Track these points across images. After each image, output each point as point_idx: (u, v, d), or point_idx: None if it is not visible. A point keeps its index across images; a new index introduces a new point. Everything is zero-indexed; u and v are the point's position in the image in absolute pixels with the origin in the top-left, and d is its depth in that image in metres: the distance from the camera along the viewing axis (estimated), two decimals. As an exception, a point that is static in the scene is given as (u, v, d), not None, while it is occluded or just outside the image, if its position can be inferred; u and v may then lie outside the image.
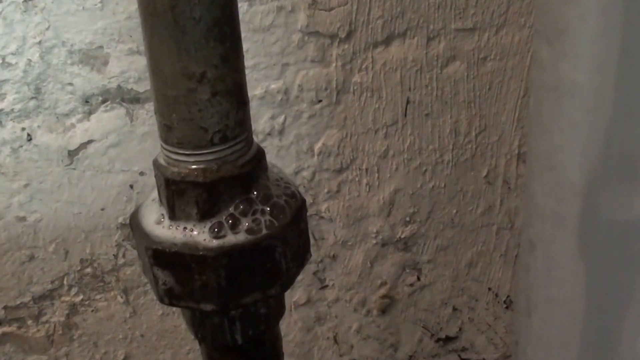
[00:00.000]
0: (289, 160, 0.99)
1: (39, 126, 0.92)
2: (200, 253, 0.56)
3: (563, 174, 0.78)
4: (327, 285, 1.10)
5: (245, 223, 0.57)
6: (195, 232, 0.56)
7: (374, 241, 1.09)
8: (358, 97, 0.98)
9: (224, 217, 0.57)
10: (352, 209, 1.06)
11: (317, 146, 1.00)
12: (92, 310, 1.05)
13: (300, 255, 0.61)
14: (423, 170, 1.05)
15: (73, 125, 0.93)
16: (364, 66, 0.96)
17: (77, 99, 0.91)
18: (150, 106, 0.93)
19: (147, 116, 0.93)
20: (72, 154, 0.94)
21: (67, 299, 1.03)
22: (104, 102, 0.92)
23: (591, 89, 0.71)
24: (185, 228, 0.57)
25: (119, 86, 0.92)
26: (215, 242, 0.56)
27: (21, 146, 0.93)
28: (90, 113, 0.93)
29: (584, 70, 0.71)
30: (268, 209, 0.58)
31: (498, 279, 1.18)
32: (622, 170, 0.69)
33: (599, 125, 0.70)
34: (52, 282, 1.01)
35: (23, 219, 0.97)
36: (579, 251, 0.78)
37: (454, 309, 1.19)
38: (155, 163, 0.58)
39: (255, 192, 0.58)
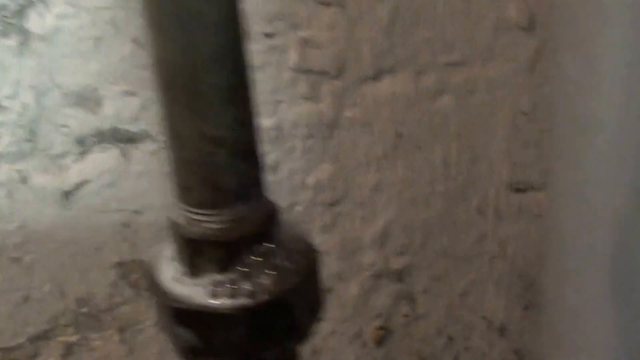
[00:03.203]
0: (283, 195, 1.03)
1: (34, 168, 0.96)
2: (223, 311, 0.58)
3: (593, 207, 0.81)
4: (322, 319, 1.14)
5: (265, 280, 0.60)
6: (216, 290, 0.59)
7: (368, 273, 1.13)
8: (350, 131, 1.02)
9: (244, 275, 0.60)
10: (346, 242, 1.09)
11: (310, 180, 1.04)
12: (88, 350, 1.08)
13: (316, 307, 0.64)
14: (415, 202, 1.09)
15: (68, 166, 0.96)
16: (354, 101, 1.00)
17: (71, 141, 0.95)
18: (144, 146, 0.97)
19: (141, 156, 0.97)
20: (67, 194, 0.98)
21: (63, 338, 1.06)
22: (98, 142, 0.96)
23: (620, 123, 0.73)
24: (205, 286, 0.59)
25: (113, 127, 0.95)
26: (236, 300, 0.59)
27: (16, 188, 0.96)
28: (84, 154, 0.96)
29: (613, 105, 0.74)
30: (287, 264, 0.61)
31: (492, 307, 1.22)
32: None
33: (629, 159, 0.73)
34: (48, 322, 1.05)
35: (18, 260, 1.00)
36: (611, 284, 0.81)
37: (449, 338, 1.23)
38: (172, 221, 0.61)
39: (274, 248, 0.61)
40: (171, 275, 0.61)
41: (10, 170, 0.95)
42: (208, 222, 0.59)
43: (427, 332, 1.21)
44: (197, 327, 0.59)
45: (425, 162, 1.07)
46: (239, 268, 0.60)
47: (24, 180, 0.96)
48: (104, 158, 0.97)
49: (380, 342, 1.20)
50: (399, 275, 1.15)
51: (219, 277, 0.59)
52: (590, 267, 0.85)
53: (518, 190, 1.12)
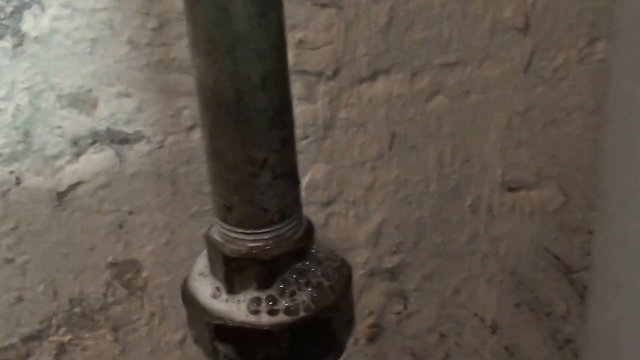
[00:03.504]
0: (277, 195, 1.03)
1: (27, 169, 0.95)
2: (264, 328, 0.60)
3: None
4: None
5: (303, 296, 0.61)
6: (256, 307, 0.61)
7: (362, 271, 1.13)
8: (345, 132, 1.02)
9: (283, 292, 0.61)
10: (340, 241, 1.10)
11: (305, 180, 1.04)
12: (81, 349, 1.08)
13: (351, 321, 0.66)
14: (409, 201, 1.10)
15: (62, 167, 0.96)
16: (350, 102, 1.01)
17: (65, 142, 0.95)
18: (139, 147, 0.97)
19: (136, 157, 0.97)
20: (60, 195, 0.98)
21: (56, 338, 1.06)
22: (92, 144, 0.96)
23: None
24: (245, 302, 0.61)
25: (108, 128, 0.95)
26: (276, 317, 0.60)
27: (9, 189, 0.96)
28: (79, 155, 0.96)
29: None
30: (324, 280, 0.62)
31: (483, 305, 1.23)
32: None
33: None
34: (41, 322, 1.05)
35: (11, 260, 1.00)
36: None
37: (441, 335, 1.24)
38: (210, 239, 0.62)
39: (310, 265, 0.63)
40: (209, 292, 0.63)
41: (4, 172, 0.95)
42: (249, 241, 0.61)
43: (419, 329, 1.22)
44: (238, 343, 0.61)
45: (419, 162, 1.07)
46: (279, 285, 0.62)
47: (17, 181, 0.96)
48: (98, 159, 0.97)
49: (372, 339, 1.21)
50: (392, 274, 1.15)
51: (258, 294, 0.61)
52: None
53: (511, 189, 1.13)
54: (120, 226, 1.01)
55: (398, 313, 1.20)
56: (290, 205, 0.61)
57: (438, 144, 1.07)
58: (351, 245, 1.11)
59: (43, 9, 0.88)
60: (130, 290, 1.06)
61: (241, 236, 0.61)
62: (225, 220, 0.61)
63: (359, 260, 1.12)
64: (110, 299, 1.06)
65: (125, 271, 1.05)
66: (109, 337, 1.08)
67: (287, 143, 0.60)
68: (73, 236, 1.01)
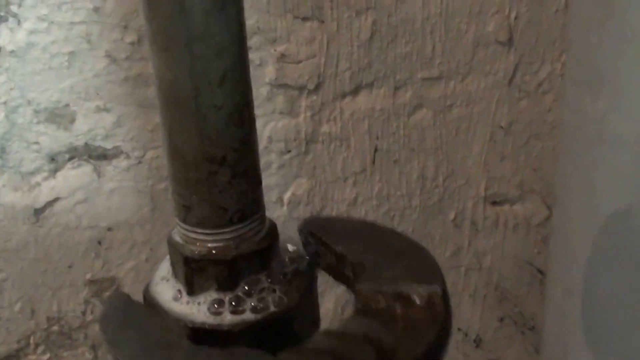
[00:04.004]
0: (258, 211, 1.02)
1: (3, 185, 0.93)
2: (224, 328, 0.58)
3: (606, 223, 0.80)
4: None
5: (265, 296, 0.60)
6: (217, 308, 0.59)
7: (344, 287, 1.11)
8: (327, 146, 1.01)
9: (243, 292, 0.60)
10: (322, 257, 1.08)
11: (287, 196, 1.03)
12: (60, 368, 1.06)
13: (316, 322, 0.64)
14: (391, 216, 1.09)
15: (39, 184, 0.94)
16: (332, 116, 0.99)
17: (42, 157, 0.93)
18: (117, 162, 0.95)
19: (114, 172, 0.95)
20: (38, 212, 0.96)
21: (34, 357, 1.04)
22: (70, 159, 0.94)
23: (638, 140, 0.73)
24: (205, 303, 0.59)
25: (86, 143, 0.93)
26: (237, 317, 0.59)
27: (-14, 206, 0.94)
28: (56, 171, 0.94)
29: (633, 122, 0.73)
30: (285, 280, 0.61)
31: (467, 319, 1.22)
32: None
33: None
34: (18, 341, 1.02)
35: (-13, 278, 0.98)
36: (619, 296, 0.80)
37: (424, 350, 1.22)
38: (171, 241, 0.61)
39: (272, 266, 0.61)
40: (171, 295, 0.61)
41: (-20, 188, 0.93)
42: (208, 242, 0.59)
43: (402, 344, 1.20)
44: (199, 344, 0.59)
45: (402, 176, 1.06)
46: (240, 286, 0.60)
47: (-7, 197, 0.94)
48: (76, 175, 0.95)
49: (355, 354, 1.19)
50: (375, 289, 1.14)
51: (219, 295, 0.59)
52: (598, 286, 0.85)
53: (494, 203, 1.12)
54: (99, 243, 1.00)
55: (381, 328, 1.18)
56: (251, 204, 0.60)
57: (421, 158, 1.05)
58: (334, 261, 1.09)
59: (19, 22, 0.86)
60: (110, 307, 1.04)
61: (201, 236, 0.59)
62: (184, 221, 0.59)
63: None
64: (89, 317, 1.04)
65: (104, 288, 1.03)
66: (88, 356, 1.06)
67: (247, 141, 0.58)
68: (51, 253, 0.99)
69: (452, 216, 1.12)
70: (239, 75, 0.57)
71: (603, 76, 0.78)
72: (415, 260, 0.64)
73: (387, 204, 1.07)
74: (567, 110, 0.91)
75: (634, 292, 0.77)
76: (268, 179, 1.01)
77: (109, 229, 0.99)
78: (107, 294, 1.03)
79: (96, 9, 0.88)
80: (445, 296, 0.60)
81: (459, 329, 1.22)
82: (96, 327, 1.05)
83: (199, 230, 0.59)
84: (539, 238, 1.15)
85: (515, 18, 0.98)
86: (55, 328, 1.03)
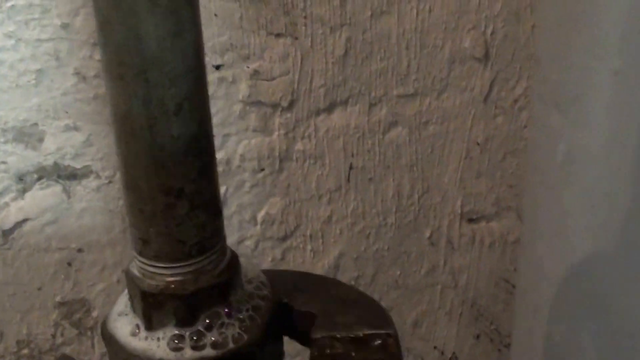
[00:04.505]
0: (232, 230, 1.00)
1: (-30, 206, 0.91)
2: None
3: (575, 239, 0.80)
4: None
5: (225, 331, 0.58)
6: (177, 343, 0.57)
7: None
8: (301, 164, 0.99)
9: (204, 327, 0.58)
10: (297, 276, 1.06)
11: (260, 215, 1.01)
12: (28, 392, 1.03)
13: (281, 355, 0.63)
14: (367, 234, 1.07)
15: (7, 204, 0.92)
16: (306, 134, 0.97)
17: (10, 177, 0.90)
18: (87, 182, 0.93)
19: (84, 192, 0.93)
20: (6, 233, 0.93)
21: (2, 381, 1.01)
22: (39, 179, 0.91)
23: (605, 155, 0.72)
24: (164, 339, 0.57)
25: (55, 163, 0.91)
26: (196, 353, 0.57)
27: (-48, 227, 0.91)
28: (24, 191, 0.91)
29: (600, 137, 0.73)
30: (247, 314, 0.59)
31: (443, 337, 1.20)
32: (634, 240, 0.71)
33: (614, 192, 0.72)
34: (-14, 365, 1.00)
35: (-46, 301, 0.95)
36: (585, 313, 0.80)
37: (400, 369, 1.20)
38: (128, 274, 0.58)
39: (232, 299, 0.59)
40: (129, 330, 0.59)
41: (-55, 209, 0.90)
42: (166, 276, 0.57)
43: (378, 363, 1.18)
44: None
45: (378, 194, 1.04)
46: (199, 321, 0.58)
47: (-41, 219, 0.91)
48: (45, 195, 0.92)
49: (330, 374, 1.17)
50: (351, 308, 1.12)
51: (179, 330, 0.57)
52: (565, 300, 0.84)
53: (470, 220, 1.10)
54: (69, 264, 0.97)
55: (357, 347, 1.16)
56: (210, 236, 0.57)
57: (396, 175, 1.04)
58: (309, 280, 1.07)
59: (-15, 40, 0.84)
60: (80, 330, 1.01)
61: (159, 270, 0.57)
62: (142, 254, 0.57)
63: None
64: (60, 340, 1.01)
65: (74, 311, 1.00)
66: (57, 379, 1.03)
67: (205, 172, 0.56)
68: (20, 275, 0.96)
69: (427, 234, 1.10)
70: (197, 103, 0.54)
71: (570, 92, 0.78)
72: (364, 307, 0.66)
73: (363, 222, 1.06)
74: (535, 127, 0.91)
75: (601, 310, 0.76)
76: (241, 198, 0.99)
77: (79, 250, 0.96)
78: (77, 316, 1.00)
79: (64, 26, 0.85)
80: (397, 339, 0.63)
81: (435, 348, 1.21)
82: (66, 350, 1.02)
83: (157, 264, 0.57)
84: (515, 255, 1.14)
85: (492, 34, 0.97)
86: (25, 351, 1.00)
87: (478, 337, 1.21)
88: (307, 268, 1.06)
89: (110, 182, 0.93)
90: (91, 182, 0.93)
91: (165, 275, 0.57)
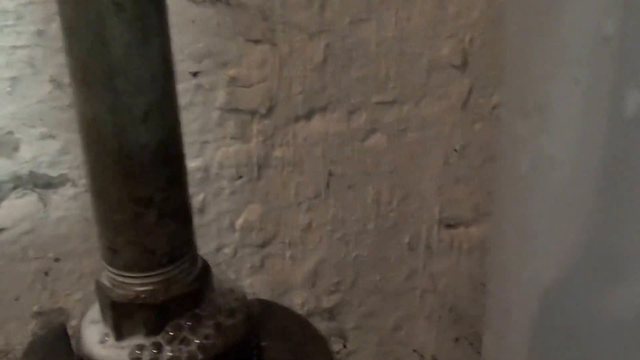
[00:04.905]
0: (210, 237, 0.99)
1: (-55, 216, 0.89)
2: None
3: (541, 244, 0.80)
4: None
5: (195, 340, 0.57)
6: (139, 353, 0.56)
7: (300, 313, 1.09)
8: (280, 171, 0.98)
9: (165, 339, 0.57)
10: (276, 283, 1.05)
11: (239, 222, 1.00)
12: (6, 401, 1.02)
13: None
14: (346, 241, 1.06)
15: (-18, 214, 0.90)
16: (285, 141, 0.96)
17: (-15, 186, 0.89)
18: (64, 190, 0.91)
19: (60, 201, 0.92)
20: (-19, 243, 0.91)
21: (-22, 391, 1.00)
22: (14, 188, 0.90)
23: (571, 161, 0.72)
24: (128, 349, 0.57)
25: (30, 172, 0.89)
26: None
27: None
28: (0, 201, 0.90)
29: (563, 143, 0.73)
30: (217, 323, 0.58)
31: (423, 341, 1.20)
32: (598, 245, 0.71)
33: (578, 199, 0.72)
34: (-37, 375, 0.98)
35: None
36: (554, 317, 0.80)
37: (380, 373, 1.20)
38: (99, 284, 0.58)
39: (203, 308, 0.58)
40: (97, 338, 0.58)
41: None
42: (136, 285, 0.56)
43: (358, 368, 1.18)
44: None
45: (357, 201, 1.03)
46: (167, 332, 0.57)
47: None
48: (21, 204, 0.91)
49: (310, 379, 1.16)
50: (330, 314, 1.11)
51: (144, 340, 0.57)
52: (533, 302, 0.84)
53: (449, 225, 1.10)
54: (46, 274, 0.95)
55: (337, 352, 1.16)
56: (181, 246, 0.57)
57: (376, 182, 1.03)
58: (288, 287, 1.06)
59: (-41, 48, 0.82)
60: (57, 338, 1.00)
61: (128, 280, 0.56)
62: (111, 264, 0.56)
63: (297, 301, 1.08)
64: (36, 348, 1.00)
65: (52, 320, 0.98)
66: (34, 388, 1.02)
67: (175, 180, 0.55)
68: (-5, 285, 0.95)
69: (407, 239, 1.10)
70: (165, 110, 0.53)
71: (534, 101, 0.78)
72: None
73: (342, 229, 1.05)
74: (502, 134, 0.91)
75: (568, 315, 0.77)
76: (219, 205, 0.98)
77: (56, 260, 0.95)
78: (54, 325, 0.99)
79: (39, 32, 0.84)
80: None
81: (414, 351, 1.20)
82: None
83: (127, 274, 0.56)
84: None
85: (470, 42, 0.96)
86: (1, 361, 0.99)
87: (457, 340, 1.21)
88: (286, 276, 1.05)
89: (87, 190, 0.92)
90: (68, 191, 0.91)
91: (135, 285, 0.56)
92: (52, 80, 0.86)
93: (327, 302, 1.10)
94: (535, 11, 0.75)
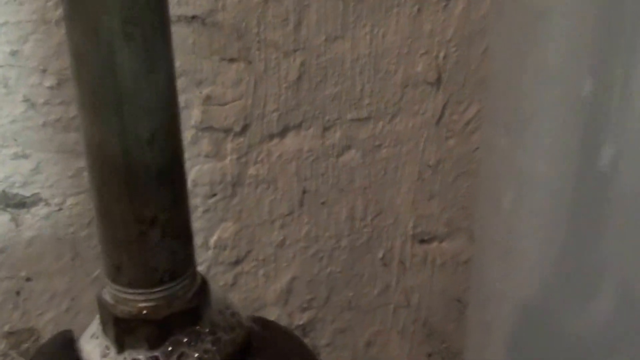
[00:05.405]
0: (184, 255, 0.99)
1: None
2: None
3: (522, 260, 0.81)
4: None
5: (194, 355, 0.59)
6: None
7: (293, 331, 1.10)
8: (254, 189, 0.99)
9: (172, 351, 0.59)
10: (249, 300, 1.06)
11: (212, 240, 1.00)
12: None
13: None
14: (320, 257, 1.07)
15: (-47, 234, 0.90)
16: (259, 158, 0.97)
17: (-44, 206, 0.89)
18: (36, 210, 0.91)
19: (33, 220, 0.92)
20: (-49, 263, 0.91)
21: (-53, 414, 0.99)
22: (-14, 208, 0.90)
23: (552, 178, 0.74)
24: None
25: (3, 191, 0.89)
26: None
27: None
28: (-29, 220, 0.90)
29: (546, 160, 0.74)
30: (215, 339, 0.60)
31: (396, 356, 1.21)
32: (576, 261, 0.73)
33: (560, 213, 0.74)
34: None
35: None
36: (534, 332, 0.81)
37: (353, 389, 1.21)
38: (101, 300, 0.59)
39: (202, 324, 0.60)
40: (99, 352, 0.60)
41: None
42: (139, 302, 0.58)
43: (330, 384, 1.19)
44: None
45: (331, 217, 1.04)
46: (167, 346, 0.59)
47: None
48: (-8, 224, 0.91)
49: (283, 396, 1.17)
50: (303, 330, 1.12)
51: (145, 354, 0.59)
52: (514, 318, 0.86)
53: (422, 241, 1.11)
54: (18, 293, 0.95)
55: (309, 369, 1.16)
56: (182, 263, 0.59)
57: (350, 198, 1.04)
58: (261, 305, 1.07)
59: None
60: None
61: (131, 296, 0.58)
62: (115, 281, 0.58)
63: (270, 318, 1.08)
64: (7, 370, 1.00)
65: (23, 340, 0.98)
66: (5, 410, 1.02)
67: (178, 200, 0.58)
68: (-35, 305, 0.94)
69: (380, 255, 1.11)
70: (170, 133, 0.56)
71: (518, 116, 0.79)
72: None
73: (316, 245, 1.06)
74: (485, 149, 0.93)
75: (548, 330, 0.78)
76: (194, 223, 0.98)
77: (28, 279, 0.95)
78: (26, 345, 0.98)
79: (13, 53, 0.84)
80: None
81: (387, 367, 1.22)
82: (14, 381, 1.00)
83: (130, 290, 0.58)
84: (467, 275, 1.15)
85: (444, 58, 0.98)
86: (-30, 383, 0.99)
87: (430, 355, 1.23)
88: (259, 293, 1.06)
89: (60, 209, 0.92)
90: (40, 210, 0.92)
91: (138, 301, 0.58)
92: (26, 100, 0.86)
93: (300, 319, 1.11)
94: (521, 26, 0.77)
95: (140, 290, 0.58)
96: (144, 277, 0.57)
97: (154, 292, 0.58)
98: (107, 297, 0.59)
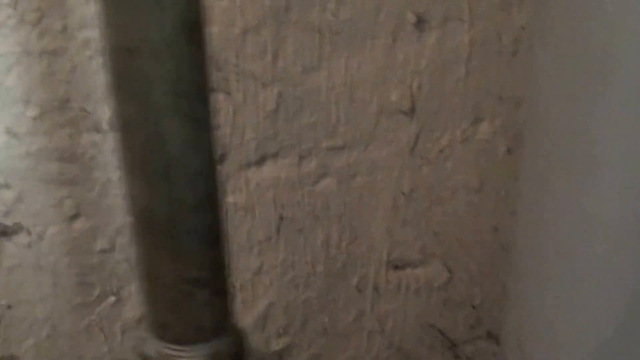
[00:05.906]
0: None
1: None
2: None
3: (583, 305, 0.82)
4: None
5: None
6: None
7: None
8: (232, 216, 1.02)
9: None
10: (227, 327, 1.08)
11: (191, 267, 1.03)
12: None
13: None
14: (296, 284, 1.10)
15: None
16: (237, 187, 1.00)
17: (-62, 235, 0.91)
18: (18, 239, 0.94)
19: (14, 249, 0.94)
20: None
21: None
22: (-32, 237, 0.92)
23: (619, 223, 0.75)
24: None
25: (-15, 220, 0.92)
26: None
27: None
28: (-47, 249, 0.92)
29: (612, 204, 0.75)
30: None
31: (370, 382, 1.23)
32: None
33: (623, 262, 0.74)
34: None
35: None
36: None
37: (328, 415, 1.23)
38: (145, 356, 0.63)
39: None
40: None
41: None
42: (185, 358, 0.62)
43: (306, 410, 1.21)
44: None
45: (307, 244, 1.07)
46: None
47: None
48: (-26, 253, 0.93)
49: (259, 423, 1.19)
50: (279, 356, 1.14)
51: None
52: None
53: (397, 267, 1.14)
54: (-2, 321, 0.97)
55: (285, 395, 1.19)
56: (224, 319, 0.62)
57: (325, 225, 1.07)
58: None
59: None
60: (7, 387, 1.02)
61: (177, 353, 0.61)
62: (160, 337, 0.61)
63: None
64: (-15, 398, 1.01)
65: (2, 368, 1.00)
66: None
67: (220, 260, 0.60)
68: (-55, 334, 0.96)
69: (355, 281, 1.14)
70: (213, 197, 0.58)
71: (583, 157, 0.80)
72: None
73: (292, 271, 1.09)
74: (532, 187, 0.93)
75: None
76: (173, 251, 1.01)
77: (9, 307, 0.97)
78: (4, 374, 1.00)
79: (-4, 84, 0.87)
80: None
81: (362, 392, 1.24)
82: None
83: (175, 347, 0.62)
84: (441, 300, 1.18)
85: (418, 88, 1.01)
86: (-51, 412, 1.00)
87: (404, 380, 1.25)
88: (236, 319, 1.08)
89: (41, 238, 0.94)
90: (22, 239, 0.94)
91: (184, 358, 0.62)
92: (8, 131, 0.89)
93: (277, 344, 1.13)
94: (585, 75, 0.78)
95: (186, 347, 0.61)
96: (190, 334, 0.61)
97: (199, 349, 0.62)
98: (151, 353, 0.62)
